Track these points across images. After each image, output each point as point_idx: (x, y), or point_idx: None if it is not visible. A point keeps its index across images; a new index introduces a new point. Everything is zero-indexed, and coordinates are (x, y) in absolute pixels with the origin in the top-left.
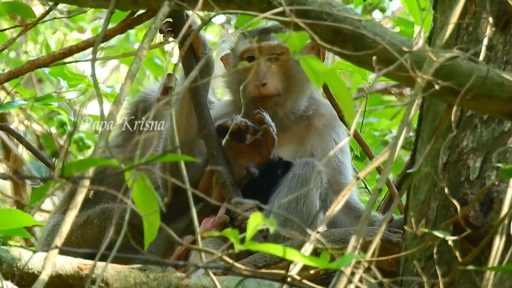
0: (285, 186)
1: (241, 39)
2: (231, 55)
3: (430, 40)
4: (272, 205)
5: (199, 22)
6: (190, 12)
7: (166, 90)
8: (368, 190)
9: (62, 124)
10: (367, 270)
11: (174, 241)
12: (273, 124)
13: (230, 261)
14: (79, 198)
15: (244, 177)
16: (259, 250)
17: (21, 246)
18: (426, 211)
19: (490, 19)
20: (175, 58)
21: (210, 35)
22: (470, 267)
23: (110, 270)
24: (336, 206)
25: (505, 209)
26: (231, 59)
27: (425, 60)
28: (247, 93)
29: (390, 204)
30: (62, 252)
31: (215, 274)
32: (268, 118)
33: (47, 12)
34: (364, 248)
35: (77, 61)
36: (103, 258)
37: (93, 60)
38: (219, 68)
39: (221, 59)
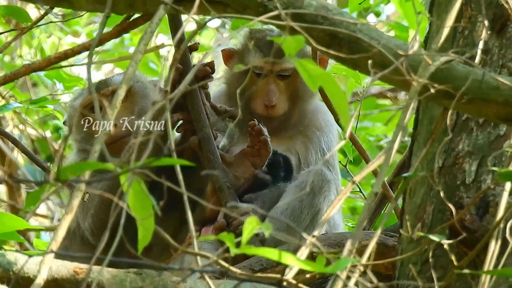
0: (288, 193)
1: (251, 50)
2: (237, 56)
3: (425, 43)
4: (276, 212)
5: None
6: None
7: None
8: (363, 194)
9: (57, 129)
10: (363, 274)
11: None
12: (268, 135)
13: (226, 265)
14: (75, 202)
15: (240, 186)
16: (255, 254)
17: (16, 251)
18: (422, 214)
19: (486, 23)
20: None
21: (204, 39)
22: (466, 270)
23: (106, 274)
24: (332, 210)
25: (500, 212)
26: (236, 60)
27: (421, 63)
28: (252, 108)
29: (381, 205)
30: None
31: (211, 278)
32: (265, 130)
33: (42, 16)
34: (360, 252)
35: (72, 65)
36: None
37: (89, 64)
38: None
39: (223, 53)
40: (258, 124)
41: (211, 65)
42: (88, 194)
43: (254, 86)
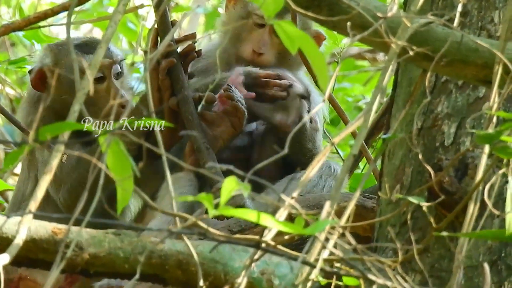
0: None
1: None
2: (240, 3)
3: (404, 5)
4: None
5: None
6: None
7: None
8: (341, 156)
9: None
10: (342, 235)
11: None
12: (242, 99)
13: (205, 226)
14: (54, 163)
15: (219, 147)
16: (233, 215)
17: None
18: (400, 176)
19: None
20: (149, 22)
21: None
22: (444, 233)
23: (85, 234)
24: (312, 171)
25: (479, 175)
26: (240, 5)
27: (400, 25)
28: (241, 50)
29: (355, 165)
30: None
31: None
32: (236, 93)
33: None
34: (339, 214)
35: (51, 25)
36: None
37: (68, 24)
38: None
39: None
40: (229, 89)
41: (192, 37)
42: (64, 167)
43: (250, 35)
